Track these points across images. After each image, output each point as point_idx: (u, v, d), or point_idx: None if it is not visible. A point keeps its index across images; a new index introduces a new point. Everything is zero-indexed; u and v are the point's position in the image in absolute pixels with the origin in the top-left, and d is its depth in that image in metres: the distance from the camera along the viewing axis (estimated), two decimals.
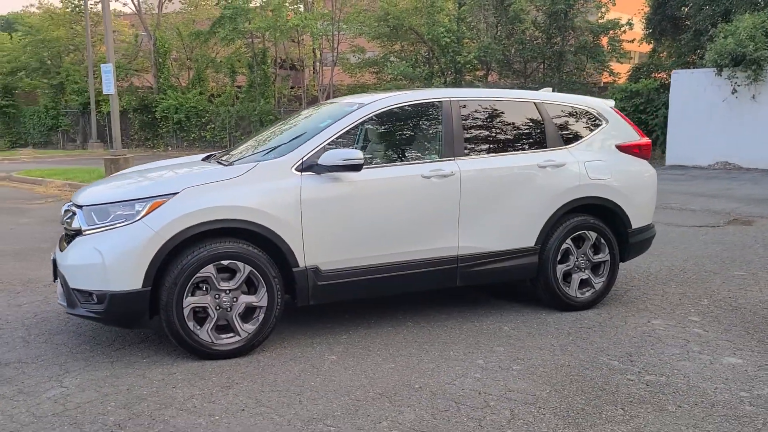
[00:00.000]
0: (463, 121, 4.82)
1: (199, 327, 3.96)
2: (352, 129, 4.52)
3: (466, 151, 4.76)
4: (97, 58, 34.42)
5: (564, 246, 5.01)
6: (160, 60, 32.57)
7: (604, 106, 5.48)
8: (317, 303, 4.35)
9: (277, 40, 30.05)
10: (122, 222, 3.88)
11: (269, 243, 4.08)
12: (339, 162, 4.18)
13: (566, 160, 5.05)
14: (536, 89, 6.48)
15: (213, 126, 31.62)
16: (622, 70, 24.25)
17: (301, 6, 30.70)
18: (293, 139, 4.60)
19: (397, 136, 4.91)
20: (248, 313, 4.10)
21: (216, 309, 3.98)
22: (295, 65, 34.24)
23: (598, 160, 5.17)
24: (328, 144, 4.34)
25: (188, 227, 3.86)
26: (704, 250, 7.10)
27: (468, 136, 4.83)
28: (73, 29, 33.29)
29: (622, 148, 5.35)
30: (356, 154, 4.20)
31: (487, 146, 4.95)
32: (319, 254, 4.23)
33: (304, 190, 4.18)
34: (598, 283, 5.17)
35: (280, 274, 4.13)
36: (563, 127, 5.22)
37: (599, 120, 5.37)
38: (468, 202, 4.66)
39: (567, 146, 5.14)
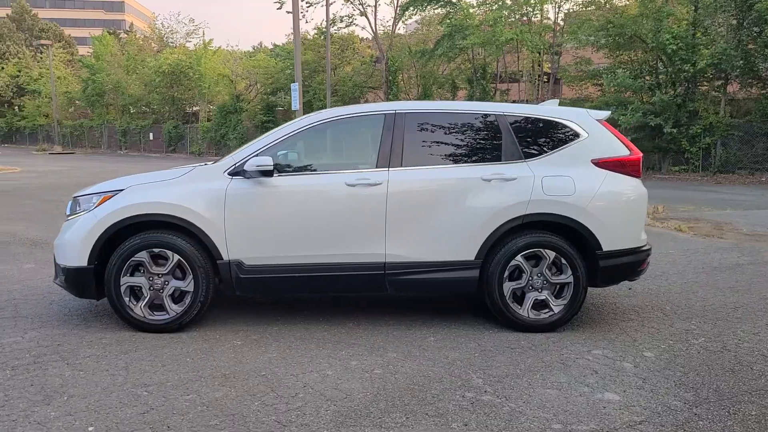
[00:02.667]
0: (407, 134, 4.96)
1: (135, 303, 4.75)
2: (289, 138, 4.97)
3: (403, 162, 4.90)
4: (338, 77, 38.20)
5: (514, 263, 4.86)
6: (390, 78, 35.01)
7: (587, 118, 5.14)
8: (243, 294, 4.89)
9: (494, 54, 30.50)
10: (83, 212, 4.85)
11: (195, 236, 4.73)
12: (254, 168, 4.69)
13: (519, 174, 4.89)
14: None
15: None
16: None
17: (524, 17, 30.63)
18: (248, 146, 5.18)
19: (332, 146, 5.24)
20: (180, 296, 4.79)
21: (149, 289, 4.75)
22: (517, 78, 34.26)
23: (562, 176, 4.91)
24: (262, 151, 4.85)
25: (124, 218, 4.70)
26: None
27: (410, 147, 4.96)
28: (320, 53, 37.23)
29: (600, 164, 4.99)
30: (266, 161, 4.68)
31: (429, 158, 5.01)
32: (242, 250, 4.77)
33: (229, 192, 4.76)
34: (558, 306, 4.90)
35: (207, 264, 4.75)
36: (526, 140, 5.04)
37: (576, 133, 5.06)
38: (396, 211, 4.80)
39: (526, 160, 4.96)
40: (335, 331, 4.86)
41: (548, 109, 5.24)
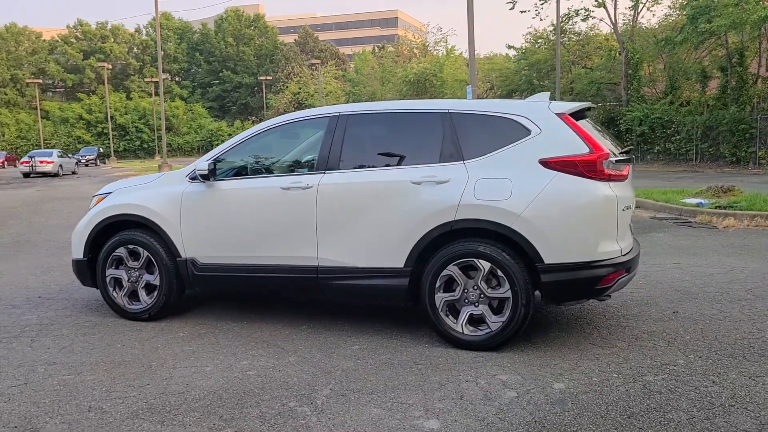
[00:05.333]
0: (348, 137, 4.85)
1: (118, 293, 5.40)
2: (242, 143, 5.19)
3: (341, 166, 4.81)
4: (572, 76, 36.56)
5: (445, 273, 4.48)
6: (630, 71, 32.48)
7: (544, 112, 4.48)
8: (199, 290, 5.25)
9: (750, 36, 26.53)
10: (88, 210, 5.63)
11: (160, 235, 5.22)
12: (196, 173, 5.02)
13: (453, 176, 4.48)
14: None
15: (678, 138, 29.86)
16: None
17: None
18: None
19: (282, 150, 5.29)
20: (153, 289, 5.32)
21: (128, 281, 5.36)
22: None
23: (499, 178, 4.38)
24: (217, 156, 5.16)
25: (107, 217, 5.39)
26: None
27: (349, 150, 4.84)
28: (551, 51, 36.00)
29: (549, 164, 4.34)
30: (203, 166, 4.98)
31: (367, 161, 4.83)
32: (195, 248, 5.14)
33: (185, 195, 5.16)
34: (496, 323, 4.39)
35: (170, 261, 5.21)
36: (469, 139, 4.57)
37: (527, 130, 4.46)
38: (324, 215, 4.74)
39: (465, 161, 4.52)
40: (265, 331, 4.98)
41: (501, 104, 4.70)
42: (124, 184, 5.67)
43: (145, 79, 70.76)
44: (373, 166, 4.80)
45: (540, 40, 37.82)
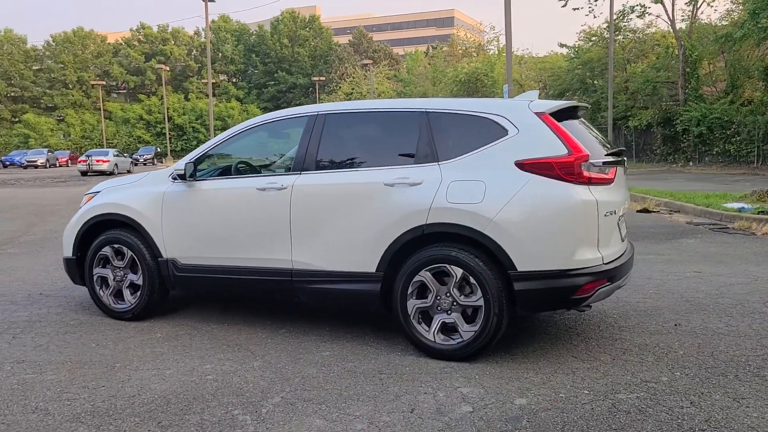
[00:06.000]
0: (325, 136, 4.71)
1: (104, 291, 5.40)
2: (223, 142, 5.11)
3: (318, 166, 4.68)
4: (627, 74, 35.46)
5: (418, 279, 4.28)
6: (688, 70, 31.27)
7: (523, 111, 4.23)
8: (181, 290, 5.20)
9: None
10: (79, 208, 5.66)
11: (141, 234, 5.19)
12: (174, 173, 4.97)
13: (426, 178, 4.28)
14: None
15: (738, 139, 28.56)
16: None
17: None
18: None
19: (261, 150, 5.17)
20: (137, 289, 5.31)
21: (113, 280, 5.36)
22: None
23: (473, 180, 4.16)
24: (198, 157, 5.10)
25: (93, 216, 5.39)
26: None
27: (326, 150, 4.70)
28: (605, 49, 34.99)
29: (525, 166, 4.09)
30: (179, 166, 4.92)
31: (343, 161, 4.68)
32: (175, 249, 5.09)
33: (166, 195, 5.12)
34: (468, 332, 4.18)
35: (152, 261, 5.18)
36: (445, 139, 4.37)
37: (504, 129, 4.22)
38: (298, 217, 4.62)
39: (440, 162, 4.32)
40: (242, 334, 4.89)
41: (478, 103, 4.47)
42: (112, 183, 5.68)
43: (202, 81, 72.45)
44: (349, 167, 4.65)
45: (593, 38, 36.81)
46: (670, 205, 12.76)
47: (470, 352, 4.17)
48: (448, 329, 4.26)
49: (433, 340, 4.26)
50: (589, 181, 4.06)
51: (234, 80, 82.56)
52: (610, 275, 4.13)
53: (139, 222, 5.18)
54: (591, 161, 4.09)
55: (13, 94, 72.07)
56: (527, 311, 4.22)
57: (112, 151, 37.99)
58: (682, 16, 34.05)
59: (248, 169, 5.19)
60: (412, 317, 4.32)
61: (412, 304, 4.31)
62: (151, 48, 77.99)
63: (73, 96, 72.91)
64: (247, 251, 4.84)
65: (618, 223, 4.47)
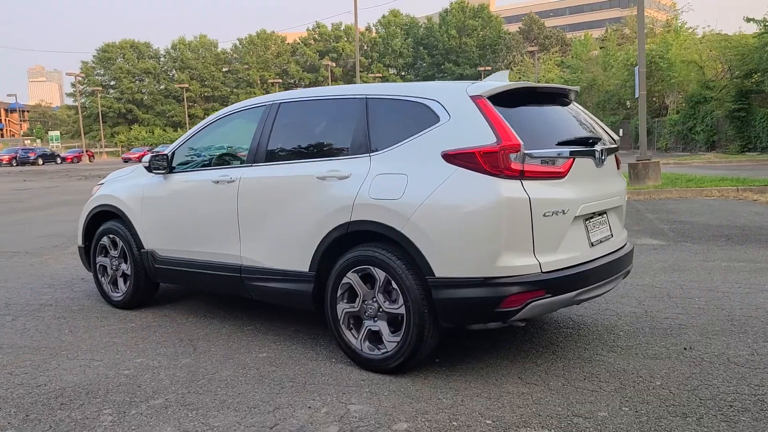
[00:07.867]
0: (276, 127, 4.44)
1: (105, 279, 5.60)
2: (197, 134, 5.02)
3: (267, 158, 4.43)
4: None
5: (345, 281, 3.90)
6: None
7: (459, 96, 3.64)
8: (162, 282, 5.23)
9: None
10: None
11: (128, 226, 5.30)
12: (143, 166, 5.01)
13: (355, 171, 3.87)
14: None
15: None
16: None
17: None
18: None
19: (222, 143, 4.98)
20: (127, 278, 5.42)
21: (111, 269, 5.53)
22: None
23: (396, 173, 3.68)
24: (176, 149, 5.07)
25: (94, 207, 5.58)
26: None
27: (275, 141, 4.43)
28: None
29: (450, 157, 3.54)
30: (146, 158, 4.90)
31: (289, 153, 4.38)
32: (153, 241, 5.11)
33: (145, 187, 5.16)
34: (391, 342, 3.73)
35: (137, 252, 5.26)
36: (379, 128, 3.90)
37: (436, 116, 3.68)
38: (243, 211, 4.41)
39: (371, 153, 3.88)
40: (207, 329, 4.80)
41: (416, 87, 3.93)
42: (116, 174, 5.87)
43: (371, 75, 74.55)
44: (292, 159, 4.35)
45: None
46: None
47: (394, 365, 3.70)
48: (376, 338, 3.84)
49: (360, 348, 3.87)
50: (522, 175, 3.41)
51: (402, 73, 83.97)
52: (551, 286, 3.46)
53: (126, 213, 5.29)
54: (530, 151, 3.45)
55: (206, 94, 79.44)
56: (450, 323, 3.64)
57: None
58: None
59: (208, 161, 5.08)
60: (341, 322, 3.94)
61: (341, 308, 3.94)
62: (325, 46, 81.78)
63: (255, 94, 78.67)
64: (205, 245, 4.74)
65: (586, 224, 3.75)
